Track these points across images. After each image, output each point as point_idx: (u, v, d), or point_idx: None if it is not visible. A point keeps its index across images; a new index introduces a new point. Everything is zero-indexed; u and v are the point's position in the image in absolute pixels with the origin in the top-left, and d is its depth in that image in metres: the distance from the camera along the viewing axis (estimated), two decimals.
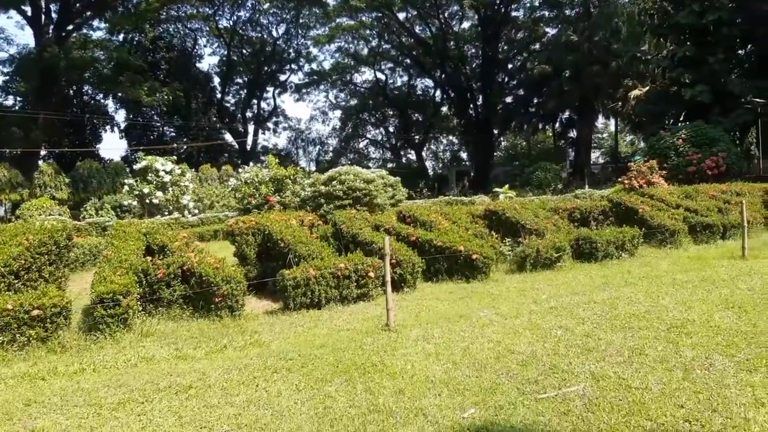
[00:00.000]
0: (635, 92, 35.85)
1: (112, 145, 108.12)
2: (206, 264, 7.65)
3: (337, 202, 13.49)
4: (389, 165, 69.16)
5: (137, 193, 26.02)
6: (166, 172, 26.38)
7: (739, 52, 31.18)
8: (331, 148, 72.79)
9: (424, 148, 71.51)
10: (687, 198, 14.94)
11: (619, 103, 38.89)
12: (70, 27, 40.99)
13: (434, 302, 8.34)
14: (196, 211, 27.32)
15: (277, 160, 24.56)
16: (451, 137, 71.97)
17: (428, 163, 74.45)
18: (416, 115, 68.22)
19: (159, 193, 25.85)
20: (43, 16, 39.05)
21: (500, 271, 10.46)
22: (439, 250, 9.76)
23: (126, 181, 26.59)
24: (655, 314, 6.81)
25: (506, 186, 20.53)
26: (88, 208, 27.34)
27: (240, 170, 29.45)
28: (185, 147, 52.57)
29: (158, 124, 53.64)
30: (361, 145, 73.34)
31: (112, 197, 28.96)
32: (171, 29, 58.04)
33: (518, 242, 11.22)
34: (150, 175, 26.23)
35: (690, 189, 15.84)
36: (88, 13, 43.39)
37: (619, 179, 23.18)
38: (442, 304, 8.24)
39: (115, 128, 54.36)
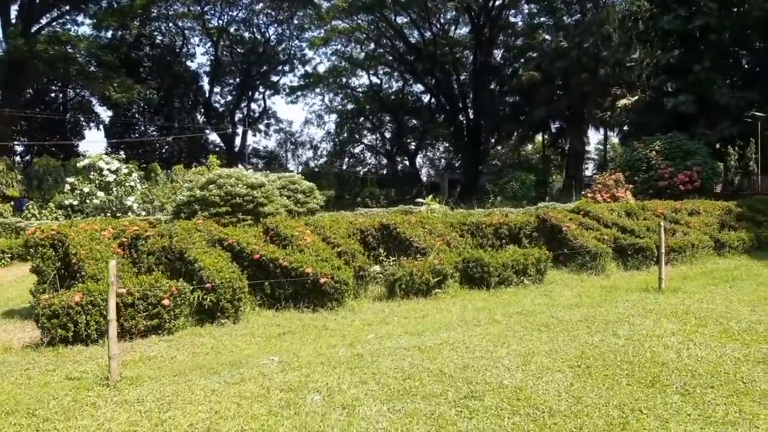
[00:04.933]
0: (623, 101, 33.76)
1: (96, 144, 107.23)
2: None
3: (212, 209, 11.86)
4: (383, 171, 67.79)
5: (78, 192, 24.58)
6: (111, 171, 24.92)
7: (728, 60, 29.17)
8: (325, 152, 71.33)
9: (420, 155, 69.87)
10: (628, 216, 13.13)
11: (608, 113, 36.87)
12: (44, 20, 39.83)
13: (241, 340, 6.70)
14: (143, 212, 25.84)
15: (218, 162, 23.08)
16: (447, 144, 70.20)
17: (424, 170, 72.83)
18: (412, 121, 66.60)
19: (100, 194, 24.38)
20: (15, 8, 38.01)
21: (368, 297, 8.82)
22: (286, 272, 8.15)
23: (68, 179, 25.14)
24: (470, 371, 5.16)
25: (430, 197, 18.81)
26: (30, 208, 25.99)
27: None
28: (166, 147, 51.27)
29: (140, 123, 52.33)
30: (357, 150, 71.82)
31: (62, 196, 27.62)
32: (162, 27, 56.99)
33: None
34: (93, 174, 24.79)
35: (635, 205, 14.04)
36: (66, 7, 42.24)
37: (583, 192, 21.46)
38: (248, 343, 6.60)
39: (101, 126, 53.30)
